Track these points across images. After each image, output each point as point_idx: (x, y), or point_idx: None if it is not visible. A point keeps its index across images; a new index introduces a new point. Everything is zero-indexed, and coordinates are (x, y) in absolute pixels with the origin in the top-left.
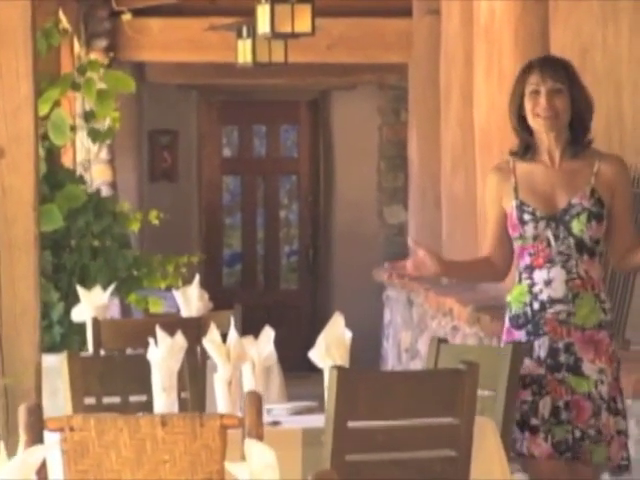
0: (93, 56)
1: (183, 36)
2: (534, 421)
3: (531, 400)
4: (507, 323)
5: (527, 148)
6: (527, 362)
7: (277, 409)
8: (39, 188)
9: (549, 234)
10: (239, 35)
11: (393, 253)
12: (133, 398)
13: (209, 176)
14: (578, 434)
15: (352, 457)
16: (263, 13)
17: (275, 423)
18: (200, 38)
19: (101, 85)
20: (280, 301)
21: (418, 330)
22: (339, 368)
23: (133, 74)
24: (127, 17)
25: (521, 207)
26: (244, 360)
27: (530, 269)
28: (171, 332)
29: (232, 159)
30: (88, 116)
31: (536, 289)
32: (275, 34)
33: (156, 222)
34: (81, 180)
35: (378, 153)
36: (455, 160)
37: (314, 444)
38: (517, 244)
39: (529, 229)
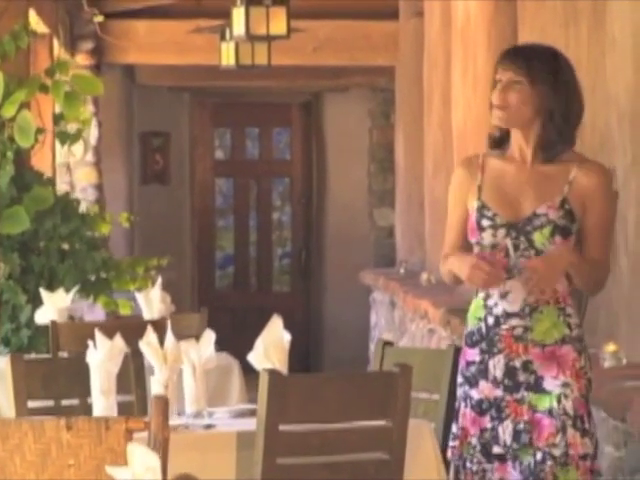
0: (79, 59)
1: (169, 38)
2: (497, 449)
3: (491, 427)
4: (463, 342)
5: (502, 139)
6: (483, 385)
7: (219, 412)
8: None
9: (508, 243)
10: (222, 37)
11: (383, 255)
12: (75, 401)
13: (201, 178)
14: (539, 456)
15: (284, 460)
16: (238, 16)
17: (209, 426)
18: (186, 40)
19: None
20: (272, 303)
21: (399, 333)
22: (270, 371)
23: (123, 76)
24: (99, 19)
25: (481, 210)
26: (181, 363)
27: None
28: (133, 335)
29: (225, 161)
30: (57, 118)
31: (491, 302)
32: (250, 36)
33: (127, 225)
34: (49, 182)
35: (368, 156)
36: (437, 162)
37: (249, 447)
38: (474, 250)
39: (487, 236)
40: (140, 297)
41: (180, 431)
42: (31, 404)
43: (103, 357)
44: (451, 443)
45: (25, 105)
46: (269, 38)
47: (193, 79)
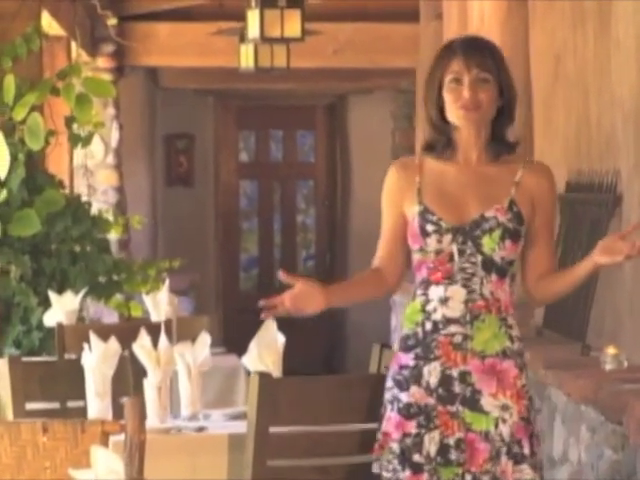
0: (99, 61)
1: (190, 41)
2: (417, 458)
3: (415, 433)
4: (396, 345)
5: (446, 144)
6: (414, 389)
7: (214, 414)
8: None
9: (454, 249)
10: (241, 40)
11: None
12: (72, 404)
13: (226, 181)
14: (469, 479)
15: (274, 462)
16: (253, 18)
17: (201, 429)
18: (207, 43)
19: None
20: None
21: None
22: (260, 374)
23: (146, 79)
24: (112, 22)
25: (424, 215)
26: (174, 366)
27: (426, 284)
28: (134, 337)
29: (249, 164)
30: (69, 121)
31: (430, 307)
32: (265, 39)
33: (139, 227)
34: (61, 185)
35: (392, 157)
36: None
37: (240, 449)
38: (416, 257)
39: (432, 242)
40: (148, 299)
41: (172, 433)
42: (29, 406)
43: (98, 359)
44: (374, 453)
45: (37, 108)
46: (283, 40)
47: (216, 81)
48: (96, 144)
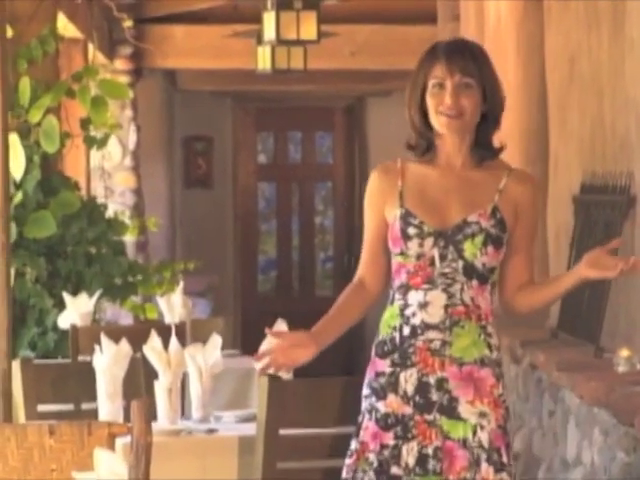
0: (117, 63)
1: (207, 43)
2: (395, 470)
3: (393, 444)
4: (372, 351)
5: (428, 148)
6: (391, 398)
7: (226, 416)
8: (7, 196)
9: (435, 254)
10: (258, 42)
11: None
12: (85, 406)
13: (244, 182)
14: None
15: (283, 464)
16: (269, 20)
17: (212, 431)
18: (224, 45)
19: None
20: (315, 307)
21: None
22: (269, 376)
23: (164, 81)
24: (128, 24)
25: (406, 218)
26: (184, 368)
27: (405, 288)
28: (145, 339)
29: (267, 165)
30: (84, 123)
31: (408, 312)
32: (280, 41)
33: (154, 229)
34: (76, 187)
35: None
36: None
37: (250, 452)
38: (396, 260)
39: (413, 246)
40: (162, 301)
41: (182, 435)
42: (41, 408)
43: (109, 361)
44: (347, 460)
45: (52, 110)
46: (299, 42)
47: (234, 83)
48: (114, 146)
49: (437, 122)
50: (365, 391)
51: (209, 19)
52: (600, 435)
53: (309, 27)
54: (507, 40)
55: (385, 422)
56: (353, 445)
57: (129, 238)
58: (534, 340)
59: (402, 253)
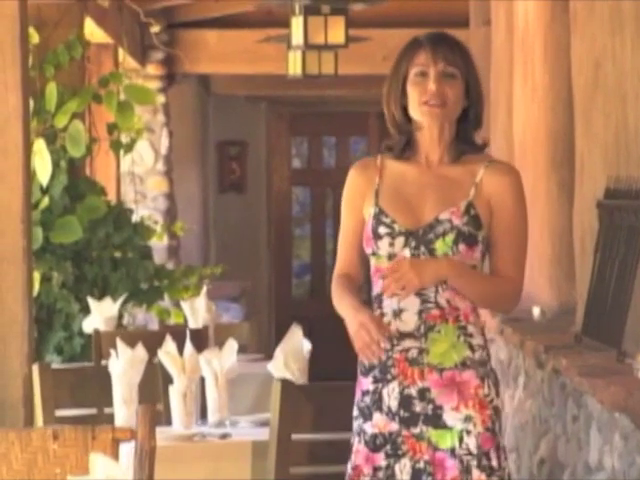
0: (149, 68)
1: (239, 48)
2: None
3: (386, 465)
4: (358, 369)
5: (407, 143)
6: (377, 417)
7: (242, 421)
8: (28, 201)
9: (406, 253)
10: (289, 47)
11: None
12: (102, 410)
13: (278, 187)
14: None
15: (296, 469)
16: (297, 25)
17: (225, 435)
18: (256, 50)
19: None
20: None
21: None
22: (282, 381)
23: (198, 86)
24: (155, 29)
25: (379, 217)
26: (199, 372)
27: (380, 298)
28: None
29: (301, 170)
30: (111, 128)
31: (384, 322)
32: (308, 46)
33: (181, 234)
34: (102, 192)
35: None
36: None
37: (264, 456)
38: (372, 262)
39: (383, 245)
40: (185, 306)
41: (196, 440)
42: (60, 413)
43: (124, 366)
44: None
45: (79, 115)
46: (327, 47)
47: (268, 88)
48: (146, 151)
49: (418, 112)
50: (354, 412)
51: (242, 24)
52: (620, 440)
53: (337, 32)
54: (534, 42)
55: (374, 443)
56: (348, 469)
57: (161, 243)
58: (558, 345)
59: (374, 253)
